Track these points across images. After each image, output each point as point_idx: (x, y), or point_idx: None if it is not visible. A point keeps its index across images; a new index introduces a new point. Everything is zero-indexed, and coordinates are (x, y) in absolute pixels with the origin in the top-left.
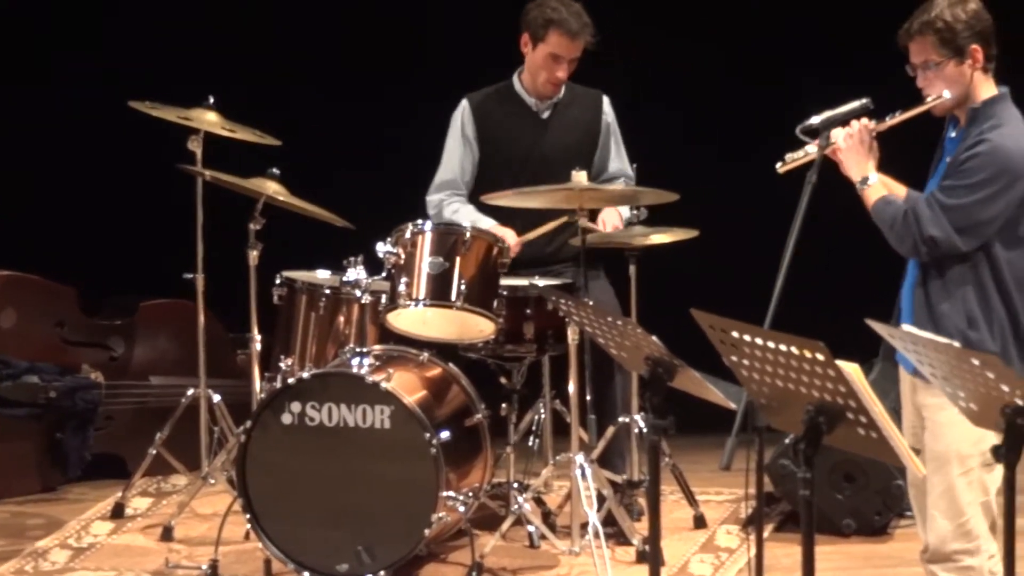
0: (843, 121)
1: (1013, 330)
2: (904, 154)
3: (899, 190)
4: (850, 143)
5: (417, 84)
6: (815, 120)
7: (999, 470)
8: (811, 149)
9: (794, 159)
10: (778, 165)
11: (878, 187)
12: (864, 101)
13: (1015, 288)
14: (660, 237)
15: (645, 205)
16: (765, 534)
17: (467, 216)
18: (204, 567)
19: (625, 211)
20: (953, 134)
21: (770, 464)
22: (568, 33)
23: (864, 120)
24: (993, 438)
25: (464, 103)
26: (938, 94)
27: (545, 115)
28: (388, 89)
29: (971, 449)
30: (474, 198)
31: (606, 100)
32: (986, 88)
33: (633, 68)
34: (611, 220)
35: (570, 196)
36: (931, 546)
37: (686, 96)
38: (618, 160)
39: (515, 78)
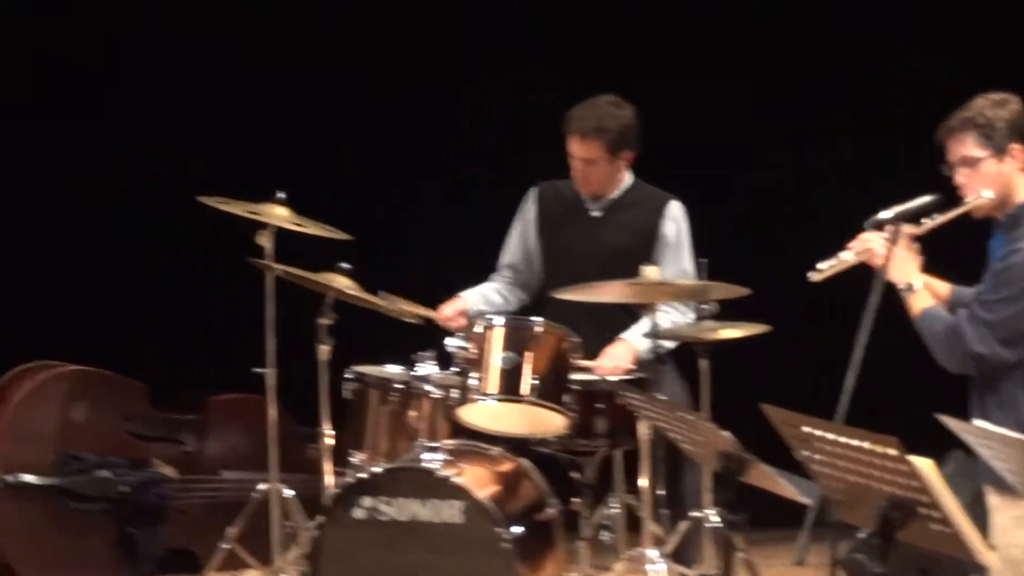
0: (913, 215)
1: None
2: (951, 248)
3: (942, 289)
4: (890, 248)
5: (487, 176)
6: (885, 215)
7: None
8: (844, 256)
9: (829, 267)
10: (811, 275)
11: (923, 296)
12: (934, 197)
13: None
14: (731, 332)
15: (716, 300)
16: None
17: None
18: None
19: (644, 344)
20: (996, 239)
21: (844, 559)
22: (575, 132)
23: (902, 225)
24: None
25: (533, 191)
26: (976, 194)
27: (596, 214)
28: (457, 182)
29: (1022, 555)
30: (543, 288)
31: (673, 206)
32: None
33: (706, 162)
34: (608, 362)
35: (641, 290)
36: None
37: (758, 190)
38: (671, 268)
39: None
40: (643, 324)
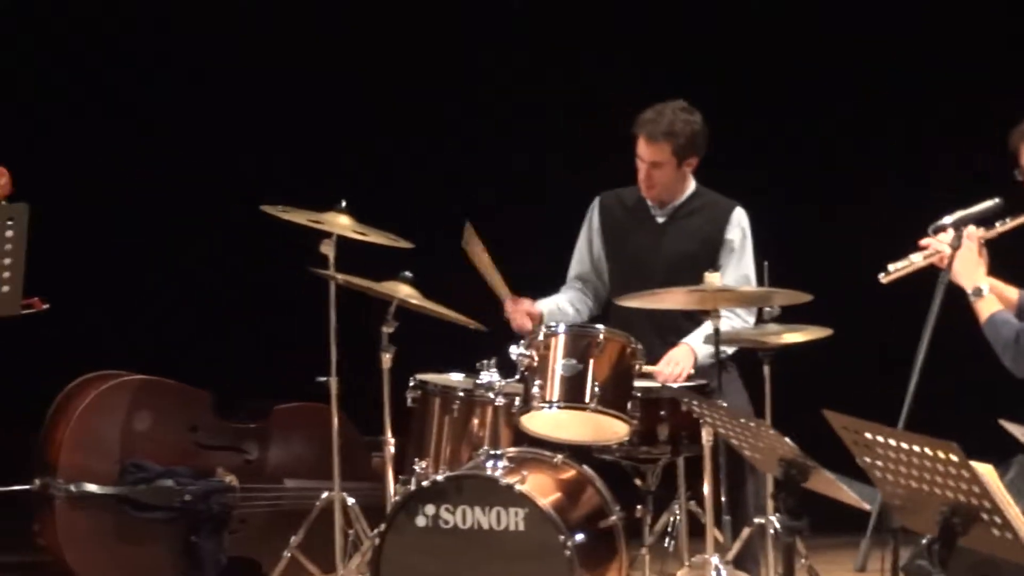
0: (976, 220)
1: None
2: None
3: (1011, 293)
4: (959, 252)
5: (550, 187)
6: (947, 220)
7: None
8: (915, 258)
9: (898, 269)
10: (881, 276)
11: (991, 301)
12: (996, 201)
13: None
14: (793, 336)
15: (779, 305)
16: None
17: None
18: None
19: (705, 349)
20: None
21: (906, 565)
22: (646, 136)
23: (971, 228)
24: None
25: (596, 200)
26: None
27: (661, 220)
28: (520, 195)
29: None
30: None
31: (738, 212)
32: None
33: (766, 167)
34: (668, 367)
35: (703, 297)
36: None
37: (818, 197)
38: (733, 274)
39: None
40: (704, 329)
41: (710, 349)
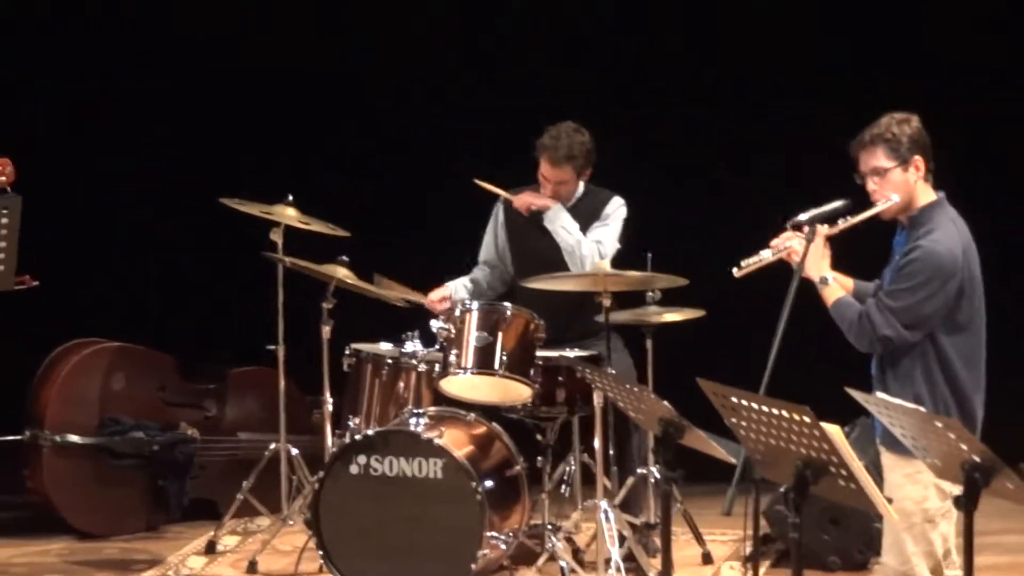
0: (827, 218)
1: (958, 406)
2: (857, 249)
3: (847, 283)
4: (806, 246)
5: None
6: (803, 216)
7: (942, 526)
8: (765, 254)
9: (749, 264)
10: (734, 270)
11: (835, 288)
12: (846, 201)
13: (962, 367)
14: (672, 315)
15: (660, 288)
16: (762, 570)
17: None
18: None
19: (566, 231)
20: (899, 237)
21: (766, 509)
22: (550, 160)
23: (818, 226)
24: (934, 499)
25: (500, 200)
26: (886, 199)
27: None
28: (447, 190)
29: (914, 507)
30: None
31: (614, 201)
32: (925, 195)
33: (650, 166)
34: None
35: (595, 280)
36: None
37: (692, 193)
38: (591, 235)
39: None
40: (572, 225)
41: (566, 236)
